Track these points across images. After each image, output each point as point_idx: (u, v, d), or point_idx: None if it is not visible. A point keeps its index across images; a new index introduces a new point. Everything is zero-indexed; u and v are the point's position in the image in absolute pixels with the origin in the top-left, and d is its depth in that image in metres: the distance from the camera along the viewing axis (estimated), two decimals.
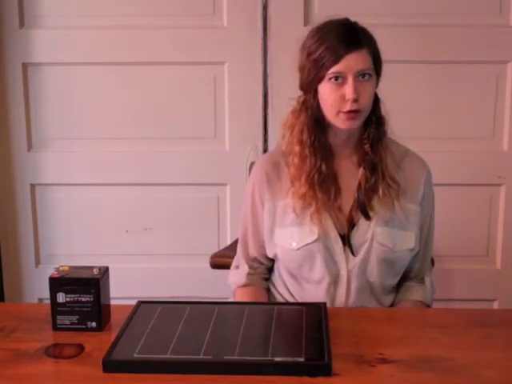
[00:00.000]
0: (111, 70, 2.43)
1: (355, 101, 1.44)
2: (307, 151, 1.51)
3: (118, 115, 2.46)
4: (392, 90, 2.32)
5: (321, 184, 1.51)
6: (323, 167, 1.51)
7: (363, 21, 1.51)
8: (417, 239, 1.56)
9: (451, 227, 2.37)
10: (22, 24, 2.41)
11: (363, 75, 1.44)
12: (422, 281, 1.65)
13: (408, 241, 1.55)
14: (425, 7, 2.35)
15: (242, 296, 1.64)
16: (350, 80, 1.43)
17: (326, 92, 1.46)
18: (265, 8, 2.35)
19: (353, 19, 1.50)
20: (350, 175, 1.55)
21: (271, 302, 1.63)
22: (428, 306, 1.64)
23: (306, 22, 2.33)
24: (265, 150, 2.41)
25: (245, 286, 1.65)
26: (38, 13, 2.40)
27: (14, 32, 2.40)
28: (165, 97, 2.44)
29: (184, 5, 2.38)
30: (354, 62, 1.43)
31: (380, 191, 1.51)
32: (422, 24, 2.35)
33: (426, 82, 2.39)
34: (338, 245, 1.52)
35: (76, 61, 2.42)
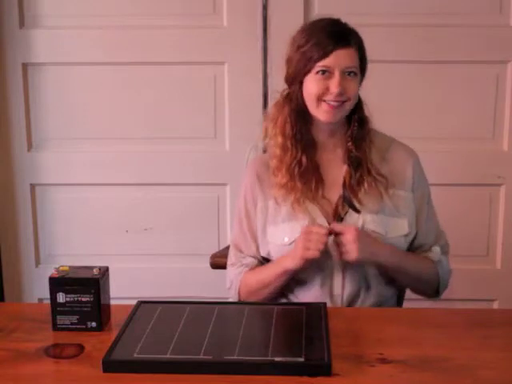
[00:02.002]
0: (111, 69, 2.42)
1: (340, 95, 1.46)
2: (289, 143, 1.53)
3: (118, 115, 2.46)
4: (392, 90, 2.36)
5: (301, 175, 1.52)
6: (303, 160, 1.53)
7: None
8: (411, 224, 1.56)
9: (451, 227, 2.35)
10: (22, 24, 2.41)
11: (349, 73, 1.47)
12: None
13: (401, 227, 1.54)
14: (424, 7, 2.34)
15: (253, 275, 1.58)
16: (336, 75, 1.46)
17: (312, 83, 1.48)
18: (265, 8, 2.35)
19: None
20: (335, 167, 1.56)
21: (271, 302, 1.63)
22: (436, 266, 1.59)
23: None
24: (265, 151, 2.40)
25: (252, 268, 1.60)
26: (38, 13, 2.40)
27: (14, 32, 2.40)
28: (165, 97, 2.44)
29: (184, 5, 2.38)
30: (342, 58, 1.46)
31: (366, 185, 1.51)
32: (422, 24, 2.35)
33: (425, 82, 2.38)
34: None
35: (76, 61, 2.42)
